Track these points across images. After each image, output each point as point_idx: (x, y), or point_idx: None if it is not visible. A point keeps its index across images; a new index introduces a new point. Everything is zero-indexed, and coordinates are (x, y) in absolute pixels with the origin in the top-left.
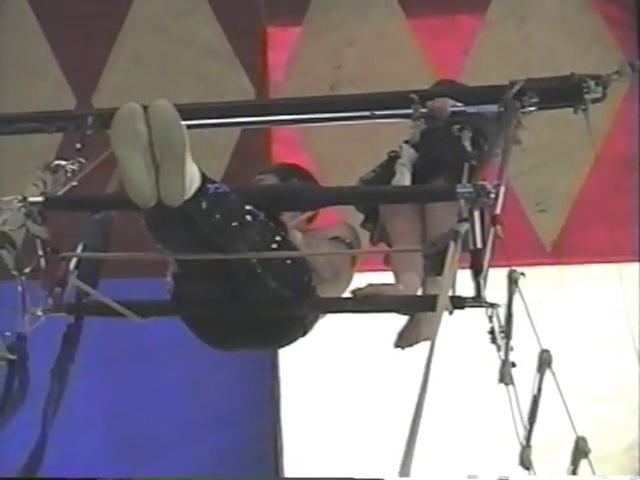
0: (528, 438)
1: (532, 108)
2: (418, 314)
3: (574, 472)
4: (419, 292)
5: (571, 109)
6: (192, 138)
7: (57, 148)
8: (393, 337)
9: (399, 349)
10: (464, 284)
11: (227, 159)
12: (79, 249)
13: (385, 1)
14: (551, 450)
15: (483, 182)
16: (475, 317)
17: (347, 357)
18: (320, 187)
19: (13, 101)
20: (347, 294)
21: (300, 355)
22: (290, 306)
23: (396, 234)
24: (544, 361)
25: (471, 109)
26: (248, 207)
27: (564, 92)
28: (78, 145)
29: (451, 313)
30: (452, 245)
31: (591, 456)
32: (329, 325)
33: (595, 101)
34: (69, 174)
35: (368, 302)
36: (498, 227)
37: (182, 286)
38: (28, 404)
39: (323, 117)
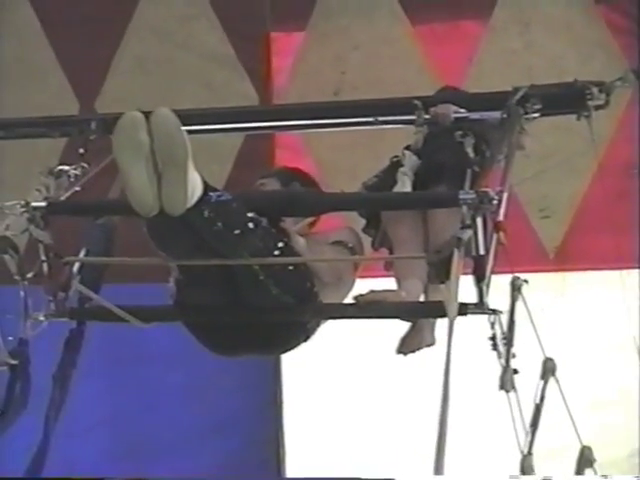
0: (530, 446)
1: (535, 114)
2: (420, 320)
3: None
4: (421, 298)
5: (574, 116)
6: (195, 143)
7: (60, 153)
8: (395, 343)
9: (401, 355)
10: (466, 290)
11: (230, 165)
12: (82, 254)
13: (389, 7)
14: (553, 458)
15: (486, 189)
16: (477, 323)
17: (349, 363)
18: (322, 193)
19: (16, 106)
20: (349, 298)
21: (302, 361)
22: (292, 312)
23: (398, 240)
24: (548, 369)
25: (474, 115)
26: (250, 214)
27: (567, 99)
28: (81, 150)
29: (454, 319)
30: (456, 252)
31: (595, 465)
32: (331, 331)
33: (598, 108)
34: (72, 179)
35: (370, 308)
36: (501, 234)
37: (184, 292)
38: (30, 409)
39: (327, 123)
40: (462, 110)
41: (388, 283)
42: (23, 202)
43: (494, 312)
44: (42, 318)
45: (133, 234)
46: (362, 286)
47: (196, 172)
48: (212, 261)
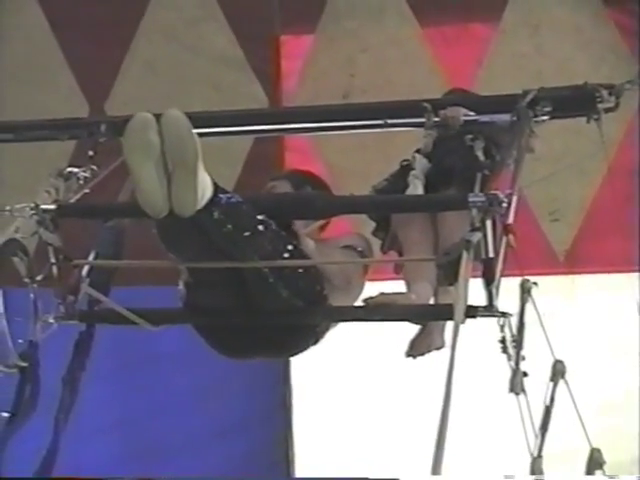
0: (539, 448)
1: (545, 117)
2: (430, 323)
3: None
4: (431, 301)
5: (584, 118)
6: (204, 146)
7: (70, 155)
8: (405, 346)
9: (411, 358)
10: (476, 293)
11: (240, 167)
12: (91, 257)
13: (398, 9)
14: (563, 461)
15: (495, 191)
16: (487, 326)
17: (359, 365)
18: (332, 196)
19: (26, 108)
20: (359, 302)
21: (312, 363)
22: (302, 315)
23: (408, 243)
24: (558, 371)
25: (484, 118)
26: (260, 217)
27: (577, 101)
28: (91, 152)
29: (463, 322)
30: (465, 255)
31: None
32: (341, 334)
33: (608, 111)
34: (81, 181)
35: (380, 311)
36: (510, 236)
37: (194, 294)
38: (40, 412)
39: (336, 125)
40: (472, 113)
41: (398, 286)
42: (32, 204)
43: (504, 315)
44: (52, 321)
45: (142, 237)
46: (372, 289)
47: (206, 174)
48: (221, 263)
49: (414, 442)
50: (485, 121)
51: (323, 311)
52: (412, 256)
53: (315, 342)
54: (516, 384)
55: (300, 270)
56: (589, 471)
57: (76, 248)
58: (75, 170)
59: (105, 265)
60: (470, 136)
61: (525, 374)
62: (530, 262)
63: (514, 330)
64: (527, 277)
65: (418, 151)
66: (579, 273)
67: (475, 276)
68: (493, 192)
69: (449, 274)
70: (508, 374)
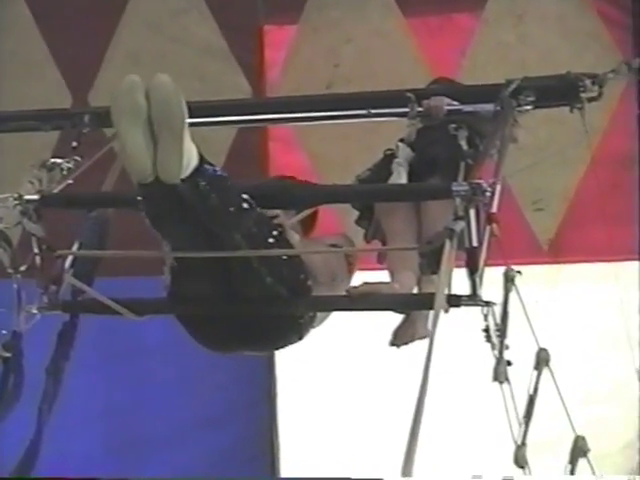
0: (523, 437)
1: (528, 107)
2: (413, 312)
3: (572, 471)
4: (415, 290)
5: (567, 108)
6: None
7: (53, 146)
8: (388, 336)
9: (394, 347)
10: (460, 282)
11: (224, 157)
12: (75, 247)
13: None
14: (548, 450)
15: (479, 180)
16: (471, 315)
17: (343, 356)
18: (315, 185)
19: (10, 99)
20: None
21: (296, 355)
22: (285, 304)
23: (392, 232)
24: (541, 359)
25: (467, 108)
26: (245, 196)
27: (560, 91)
28: (74, 143)
29: (447, 311)
30: (448, 243)
31: (589, 455)
32: (325, 324)
33: (591, 100)
34: (65, 172)
35: (364, 300)
36: (494, 225)
37: (179, 280)
38: (23, 402)
39: (320, 115)
40: (455, 103)
41: (381, 275)
42: (16, 195)
43: (487, 304)
44: (35, 311)
45: (126, 227)
46: (355, 279)
47: (192, 143)
48: (207, 253)
49: (398, 432)
50: (469, 111)
51: (307, 301)
52: (395, 245)
53: (299, 338)
54: (500, 373)
55: (285, 257)
56: (573, 459)
57: (60, 238)
58: (59, 161)
59: (89, 255)
60: (454, 125)
61: (509, 363)
62: (514, 251)
63: (498, 319)
64: (511, 266)
65: (402, 140)
66: (563, 262)
67: (459, 265)
68: (477, 181)
69: (432, 263)
70: (492, 363)
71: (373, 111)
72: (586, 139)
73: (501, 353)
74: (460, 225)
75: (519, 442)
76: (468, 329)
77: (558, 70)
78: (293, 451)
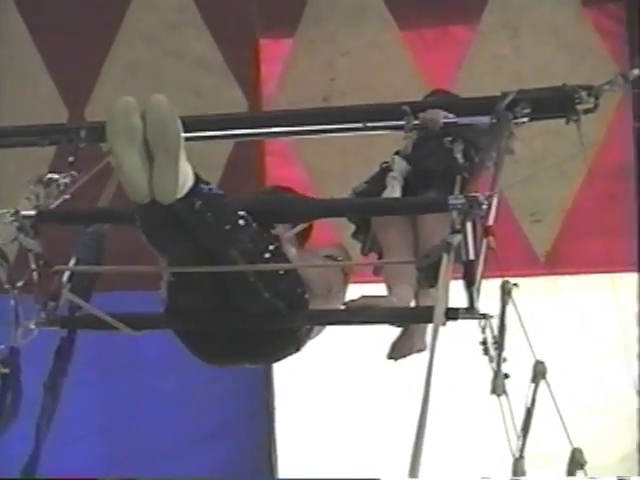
0: (521, 449)
1: (524, 119)
2: (411, 326)
3: None
4: (412, 304)
5: (563, 120)
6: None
7: (50, 161)
8: (386, 349)
9: (392, 361)
10: (457, 295)
11: (220, 172)
12: (72, 263)
13: (378, 12)
14: (546, 462)
15: (475, 193)
16: (468, 328)
17: (341, 369)
18: (312, 199)
19: (5, 114)
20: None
21: (294, 367)
22: (283, 318)
23: (388, 246)
24: (538, 372)
25: (463, 120)
26: (241, 212)
27: (556, 103)
28: (71, 158)
29: (444, 324)
30: (445, 257)
31: (586, 467)
32: (323, 336)
33: (587, 112)
34: (62, 187)
35: (361, 314)
36: (490, 238)
37: (175, 295)
38: (21, 418)
39: (316, 129)
40: (451, 115)
41: (379, 289)
42: (12, 211)
43: (484, 317)
44: (33, 327)
45: (123, 242)
46: (353, 292)
47: (188, 163)
48: (203, 267)
49: (397, 445)
50: (464, 123)
51: (304, 314)
52: (392, 259)
53: (296, 350)
54: (498, 386)
55: (281, 272)
56: (570, 471)
57: (57, 254)
58: (55, 176)
59: (86, 271)
60: (449, 138)
61: (507, 376)
62: (511, 264)
63: (495, 332)
64: (508, 278)
65: (397, 153)
66: (560, 274)
67: (456, 278)
68: (473, 194)
69: (430, 276)
70: (490, 376)
71: (369, 124)
72: (582, 151)
73: (499, 366)
74: (457, 238)
75: (517, 455)
76: (465, 341)
77: (554, 82)
78: (291, 463)
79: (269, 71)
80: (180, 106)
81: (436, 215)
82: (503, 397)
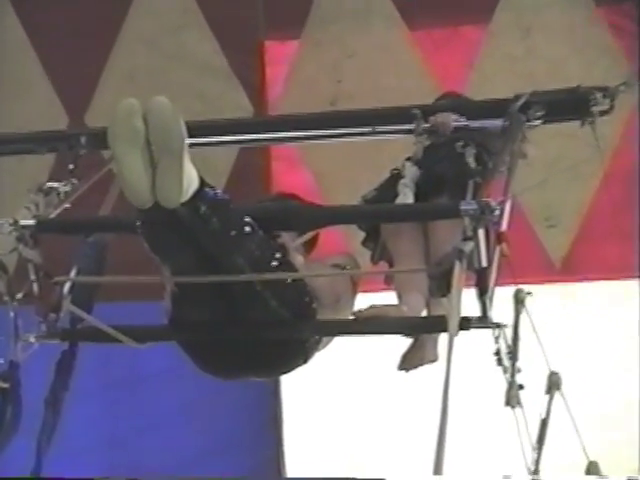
0: (537, 462)
1: (538, 122)
2: (422, 336)
3: None
4: (423, 313)
5: (578, 122)
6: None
7: (50, 169)
8: (396, 359)
9: (403, 372)
10: (469, 304)
11: (225, 178)
12: (73, 273)
13: (386, 12)
14: (562, 475)
15: (487, 199)
16: (482, 338)
17: (350, 381)
18: (320, 206)
19: (4, 121)
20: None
21: (303, 379)
22: (290, 328)
23: (399, 253)
24: (553, 384)
25: (474, 124)
26: (247, 219)
27: (571, 105)
28: (71, 166)
29: (456, 334)
30: (458, 265)
31: None
32: (332, 346)
33: (602, 114)
34: (62, 196)
35: (371, 324)
36: (503, 245)
37: (180, 306)
38: (22, 433)
39: (323, 134)
40: (462, 119)
41: (389, 298)
42: (11, 220)
43: (498, 326)
44: (33, 340)
45: (125, 252)
46: (362, 301)
47: (192, 166)
48: (209, 277)
49: (408, 458)
50: (476, 127)
51: (312, 325)
52: (403, 267)
53: (304, 361)
54: (512, 397)
55: (288, 280)
56: None
57: (57, 264)
58: (55, 185)
59: (87, 281)
60: (461, 143)
61: (521, 387)
62: (527, 270)
63: (509, 341)
64: (524, 286)
65: (409, 159)
66: (577, 280)
67: (468, 286)
68: (485, 200)
69: (442, 285)
70: (504, 387)
71: (378, 128)
72: (598, 154)
73: (513, 377)
74: (469, 245)
75: (532, 468)
76: (478, 351)
77: (567, 83)
78: (300, 476)
79: (275, 74)
80: (183, 111)
81: (448, 221)
82: (518, 409)
